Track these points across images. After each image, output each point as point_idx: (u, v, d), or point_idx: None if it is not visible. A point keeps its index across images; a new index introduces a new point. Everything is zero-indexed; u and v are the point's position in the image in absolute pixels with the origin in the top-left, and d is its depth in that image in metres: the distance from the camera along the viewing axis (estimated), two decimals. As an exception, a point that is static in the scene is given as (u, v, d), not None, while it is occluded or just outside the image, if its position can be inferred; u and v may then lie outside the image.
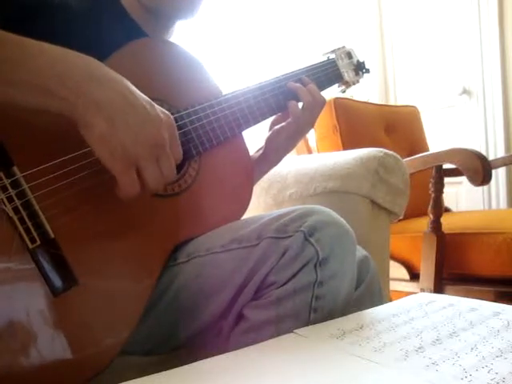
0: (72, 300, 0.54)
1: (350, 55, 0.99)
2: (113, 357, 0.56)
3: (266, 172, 0.91)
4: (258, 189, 1.13)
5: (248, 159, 0.78)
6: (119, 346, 0.57)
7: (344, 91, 1.02)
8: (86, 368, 0.54)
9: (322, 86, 0.90)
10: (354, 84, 1.00)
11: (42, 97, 0.52)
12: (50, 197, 0.55)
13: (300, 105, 0.83)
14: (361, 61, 1.00)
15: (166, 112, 0.58)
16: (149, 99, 0.57)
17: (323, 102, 0.84)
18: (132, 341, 0.58)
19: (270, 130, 0.87)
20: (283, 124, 0.84)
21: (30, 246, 0.53)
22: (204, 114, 0.71)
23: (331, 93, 1.01)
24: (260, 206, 0.99)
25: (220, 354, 0.50)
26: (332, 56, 0.96)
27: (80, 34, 0.68)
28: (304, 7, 2.62)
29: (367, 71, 1.01)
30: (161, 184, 0.57)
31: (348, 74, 0.97)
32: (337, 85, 0.98)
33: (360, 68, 1.00)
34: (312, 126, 0.86)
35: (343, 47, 0.99)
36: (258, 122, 0.80)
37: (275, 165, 0.90)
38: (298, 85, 0.82)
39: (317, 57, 0.96)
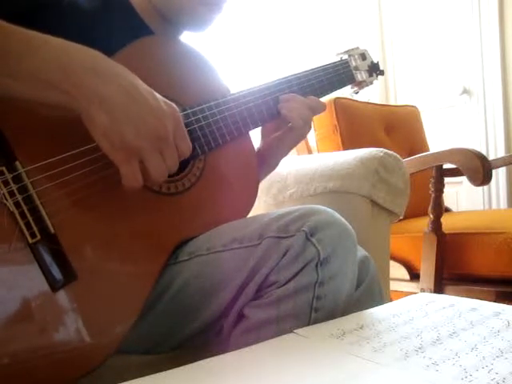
0: (72, 295, 0.54)
1: (363, 56, 0.97)
2: (110, 352, 0.56)
3: (263, 177, 0.89)
4: (258, 189, 1.12)
5: (254, 159, 0.77)
6: (116, 345, 0.56)
7: (357, 92, 1.00)
8: (89, 358, 0.54)
9: (334, 86, 0.88)
10: (367, 85, 0.98)
11: (44, 89, 0.52)
12: (51, 192, 0.56)
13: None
14: (375, 62, 0.98)
15: (171, 104, 0.58)
16: (152, 91, 0.57)
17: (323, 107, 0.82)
18: (132, 340, 0.58)
19: (263, 136, 0.84)
20: (285, 131, 0.81)
21: (30, 240, 0.53)
22: (210, 113, 0.71)
23: (344, 93, 0.99)
24: (260, 205, 0.99)
25: (220, 353, 0.49)
26: (345, 56, 0.94)
27: (88, 35, 0.67)
28: (304, 8, 2.62)
29: (381, 73, 0.99)
30: (164, 175, 0.58)
31: (361, 75, 0.95)
32: (349, 86, 0.96)
33: (374, 69, 0.98)
34: (310, 127, 0.83)
35: (357, 48, 0.97)
36: (266, 122, 0.79)
37: (273, 169, 0.88)
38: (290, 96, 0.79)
39: (318, 57, 0.95)
